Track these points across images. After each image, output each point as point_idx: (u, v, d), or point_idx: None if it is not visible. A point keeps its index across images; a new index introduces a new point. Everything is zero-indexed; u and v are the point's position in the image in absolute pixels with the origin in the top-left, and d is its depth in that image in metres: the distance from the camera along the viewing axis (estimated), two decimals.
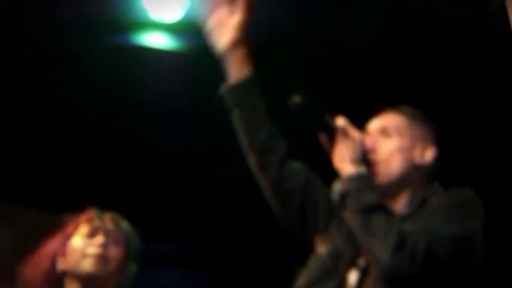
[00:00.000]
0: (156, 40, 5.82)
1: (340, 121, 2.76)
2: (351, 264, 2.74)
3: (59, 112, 6.10)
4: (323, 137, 2.81)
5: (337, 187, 2.69)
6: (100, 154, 6.37)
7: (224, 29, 2.99)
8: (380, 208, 2.60)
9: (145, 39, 5.81)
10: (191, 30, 5.51)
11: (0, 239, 6.65)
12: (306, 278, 2.83)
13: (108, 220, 3.43)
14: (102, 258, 3.26)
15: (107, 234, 3.33)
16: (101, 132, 6.22)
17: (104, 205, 3.55)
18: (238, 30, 2.95)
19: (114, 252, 3.29)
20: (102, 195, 4.13)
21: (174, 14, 5.55)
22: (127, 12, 5.64)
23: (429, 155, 2.86)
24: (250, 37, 3.02)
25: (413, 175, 2.84)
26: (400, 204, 2.81)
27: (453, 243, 2.55)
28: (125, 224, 3.49)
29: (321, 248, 2.92)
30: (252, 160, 2.98)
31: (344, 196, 2.65)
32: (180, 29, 5.74)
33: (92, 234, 3.32)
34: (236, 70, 2.96)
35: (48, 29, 5.71)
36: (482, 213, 2.69)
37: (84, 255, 3.21)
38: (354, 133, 2.78)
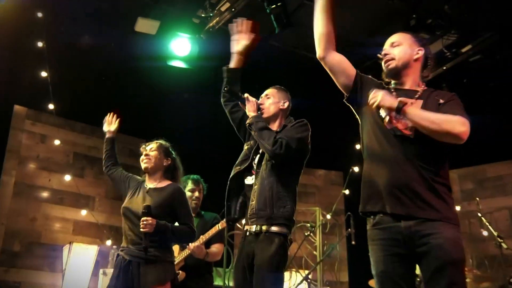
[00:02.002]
0: (177, 63, 6.24)
1: (245, 95, 3.24)
2: (256, 152, 3.21)
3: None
4: (241, 105, 3.29)
5: (247, 121, 3.14)
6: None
7: (238, 44, 3.25)
8: (266, 128, 3.07)
9: (172, 63, 6.25)
10: (195, 60, 6.19)
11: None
12: (237, 161, 3.31)
13: (151, 143, 3.67)
14: (145, 164, 3.59)
15: (148, 150, 3.62)
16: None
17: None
18: (244, 48, 3.23)
19: (152, 153, 3.58)
20: None
21: (185, 52, 6.05)
22: (163, 50, 6.14)
23: (286, 104, 3.30)
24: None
25: (279, 113, 3.27)
26: (276, 125, 3.24)
27: (297, 140, 3.04)
28: (159, 141, 3.69)
29: (247, 145, 3.35)
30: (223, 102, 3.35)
31: (250, 125, 3.11)
32: (189, 59, 6.21)
33: (142, 154, 3.63)
34: (233, 63, 3.25)
35: (126, 58, 6.11)
36: (309, 129, 3.14)
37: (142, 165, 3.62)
38: (252, 99, 3.22)
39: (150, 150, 3.60)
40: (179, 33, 5.97)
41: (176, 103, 6.36)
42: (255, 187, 3.07)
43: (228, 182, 3.20)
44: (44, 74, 5.81)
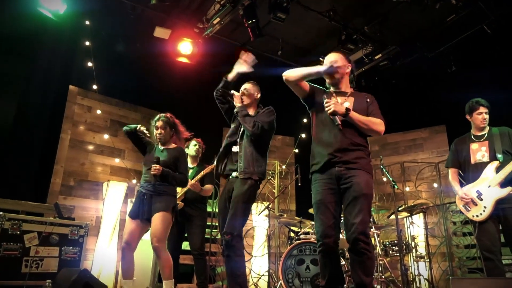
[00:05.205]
0: (182, 59, 5.81)
1: (232, 92, 3.11)
2: (240, 127, 3.08)
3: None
4: (230, 99, 3.14)
5: (235, 110, 3.06)
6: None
7: (240, 67, 3.02)
8: (248, 115, 3.01)
9: (179, 59, 5.80)
10: (195, 57, 5.82)
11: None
12: (228, 134, 3.18)
13: (158, 120, 3.46)
14: (158, 139, 3.46)
15: (158, 127, 3.46)
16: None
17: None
18: (241, 73, 3.05)
19: (162, 130, 3.45)
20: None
21: (188, 51, 5.72)
22: (173, 50, 5.74)
23: (258, 95, 3.18)
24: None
25: (254, 101, 3.16)
26: (252, 110, 3.13)
27: (268, 123, 2.99)
28: (163, 118, 3.46)
29: (233, 124, 3.19)
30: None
31: (237, 112, 3.03)
32: (190, 56, 5.80)
33: (153, 128, 3.50)
34: (231, 77, 3.06)
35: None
36: (275, 113, 3.07)
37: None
38: (236, 93, 3.11)
39: (160, 127, 3.46)
40: (184, 38, 5.79)
41: (181, 86, 6.12)
42: (240, 153, 3.01)
43: (221, 149, 3.12)
44: (90, 64, 5.60)
